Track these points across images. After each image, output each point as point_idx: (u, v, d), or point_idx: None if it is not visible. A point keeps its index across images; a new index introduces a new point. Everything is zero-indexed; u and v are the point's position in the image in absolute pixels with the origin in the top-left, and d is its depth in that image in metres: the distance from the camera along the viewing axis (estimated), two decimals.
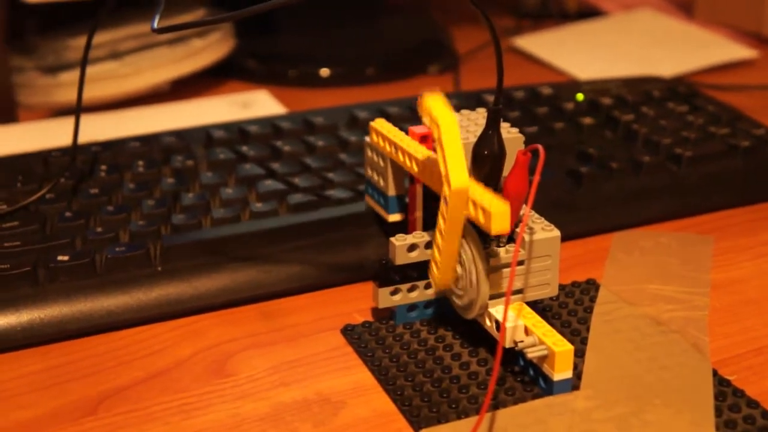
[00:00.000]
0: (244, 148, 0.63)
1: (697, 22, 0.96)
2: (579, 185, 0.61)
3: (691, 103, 0.71)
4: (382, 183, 0.52)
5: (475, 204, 0.43)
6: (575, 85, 0.75)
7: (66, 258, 0.52)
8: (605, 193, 0.60)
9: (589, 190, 0.60)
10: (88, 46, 0.59)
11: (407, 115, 0.68)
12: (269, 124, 0.67)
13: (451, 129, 0.42)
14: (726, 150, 0.65)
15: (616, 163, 0.62)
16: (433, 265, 0.45)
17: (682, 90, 0.73)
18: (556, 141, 0.65)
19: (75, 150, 0.61)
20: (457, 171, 0.42)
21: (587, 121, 0.68)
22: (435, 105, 0.43)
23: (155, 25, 0.49)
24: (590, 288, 0.53)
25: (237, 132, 0.66)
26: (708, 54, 0.88)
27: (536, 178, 0.43)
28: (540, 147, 0.43)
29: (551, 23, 0.99)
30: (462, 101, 0.69)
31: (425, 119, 0.44)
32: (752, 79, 0.84)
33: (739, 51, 0.89)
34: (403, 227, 0.52)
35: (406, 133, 0.50)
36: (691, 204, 0.62)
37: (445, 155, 0.42)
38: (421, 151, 0.48)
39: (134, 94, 0.79)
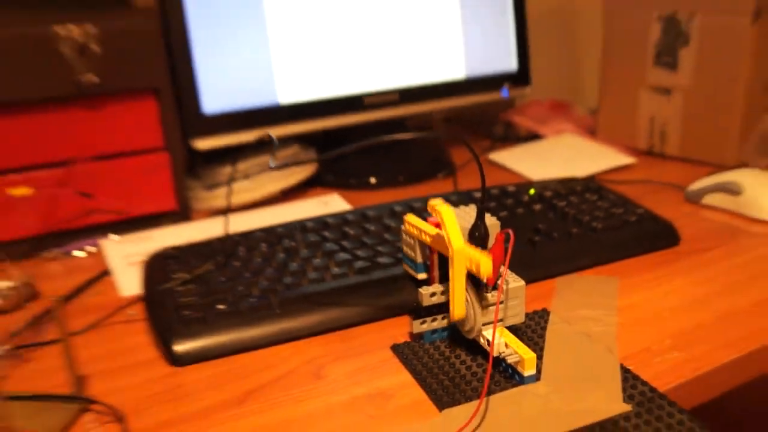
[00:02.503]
0: (326, 233, 0.64)
1: (599, 140, 0.96)
2: (534, 249, 0.61)
3: (599, 193, 0.72)
4: (412, 254, 0.53)
5: (471, 260, 0.43)
6: (529, 184, 0.75)
7: (223, 307, 0.53)
8: (551, 253, 0.61)
9: (541, 252, 0.61)
10: (232, 173, 0.60)
11: (426, 208, 0.68)
12: (340, 217, 0.67)
13: (449, 216, 0.44)
14: (622, 223, 0.65)
15: (557, 233, 0.62)
16: (450, 305, 0.46)
17: (592, 185, 0.74)
18: (518, 222, 0.66)
19: (226, 238, 0.63)
20: (456, 239, 0.43)
21: (537, 207, 0.68)
22: (438, 204, 0.45)
23: (272, 164, 0.50)
24: (544, 314, 0.53)
25: (321, 223, 0.66)
26: (606, 161, 0.88)
27: (509, 250, 0.43)
28: (510, 231, 0.44)
29: (511, 143, 1.00)
30: (459, 197, 0.70)
31: (434, 215, 0.45)
32: (632, 176, 0.84)
33: (623, 159, 0.89)
34: (427, 282, 0.52)
35: (425, 220, 0.51)
36: (603, 257, 0.62)
37: (448, 231, 0.43)
38: (434, 230, 0.48)
39: (259, 201, 0.80)
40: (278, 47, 0.79)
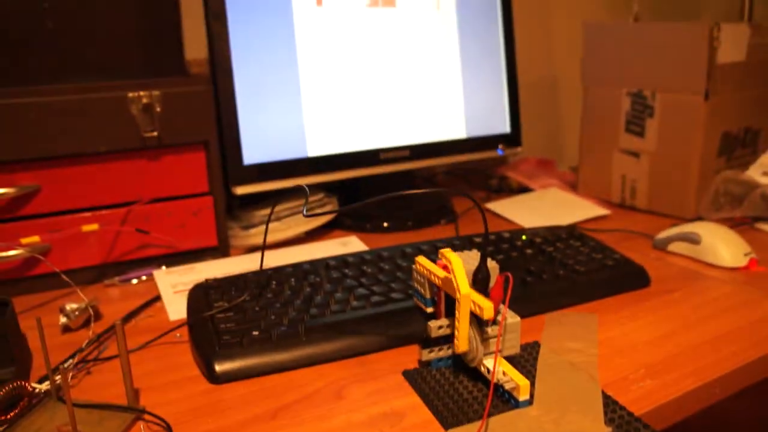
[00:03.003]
0: (346, 270, 0.63)
1: (579, 194, 0.96)
2: (526, 288, 0.60)
3: (581, 240, 0.71)
4: (422, 290, 0.51)
5: (474, 303, 0.43)
6: (521, 231, 0.75)
7: (257, 333, 0.52)
8: (541, 292, 0.60)
9: (532, 291, 0.60)
10: (269, 216, 0.60)
11: (432, 250, 0.68)
12: (359, 256, 0.66)
13: (458, 265, 0.43)
14: (601, 266, 0.64)
15: (545, 275, 0.62)
16: (455, 339, 0.45)
17: (575, 233, 0.73)
18: (512, 264, 0.65)
19: (260, 273, 0.62)
20: (463, 285, 0.43)
21: (529, 251, 0.68)
22: (449, 254, 0.44)
23: (305, 212, 0.50)
24: (536, 346, 0.53)
25: (342, 261, 0.65)
26: (585, 212, 0.88)
27: (509, 291, 0.43)
28: (509, 274, 0.44)
29: (504, 195, 1.00)
30: (461, 242, 0.69)
31: (444, 261, 0.45)
32: (608, 225, 0.84)
33: (600, 210, 0.89)
34: (434, 315, 0.51)
35: (434, 262, 0.50)
36: (585, 296, 0.61)
37: (456, 278, 0.43)
38: (443, 274, 0.47)
39: (287, 240, 0.79)
40: (309, 110, 0.80)
